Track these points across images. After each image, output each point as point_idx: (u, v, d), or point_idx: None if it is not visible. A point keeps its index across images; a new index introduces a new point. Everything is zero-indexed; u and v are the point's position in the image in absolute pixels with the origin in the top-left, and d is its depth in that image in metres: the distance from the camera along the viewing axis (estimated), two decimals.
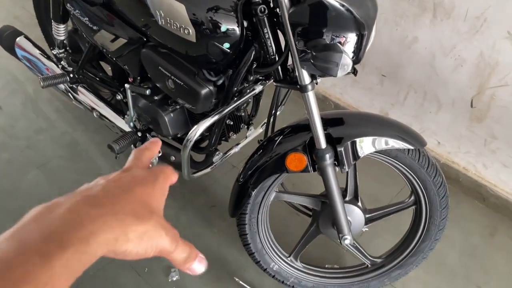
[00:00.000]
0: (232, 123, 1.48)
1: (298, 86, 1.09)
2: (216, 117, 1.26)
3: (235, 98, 1.29)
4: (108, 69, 1.89)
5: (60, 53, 1.81)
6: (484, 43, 1.54)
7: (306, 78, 1.07)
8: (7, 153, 1.98)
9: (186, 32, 1.13)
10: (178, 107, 1.45)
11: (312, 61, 0.94)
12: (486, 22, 1.50)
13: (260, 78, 1.33)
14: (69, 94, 1.78)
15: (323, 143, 1.15)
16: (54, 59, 1.83)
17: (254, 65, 1.17)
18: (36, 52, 1.84)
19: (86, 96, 1.75)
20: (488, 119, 1.68)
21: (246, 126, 1.55)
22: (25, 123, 2.13)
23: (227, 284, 1.55)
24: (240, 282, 1.54)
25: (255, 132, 1.60)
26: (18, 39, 1.86)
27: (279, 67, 1.13)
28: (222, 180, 1.91)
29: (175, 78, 1.28)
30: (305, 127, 1.24)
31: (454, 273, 1.64)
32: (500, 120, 1.65)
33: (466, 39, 1.59)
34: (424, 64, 1.76)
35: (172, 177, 0.43)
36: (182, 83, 1.27)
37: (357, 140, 1.18)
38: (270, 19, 1.08)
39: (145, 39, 1.34)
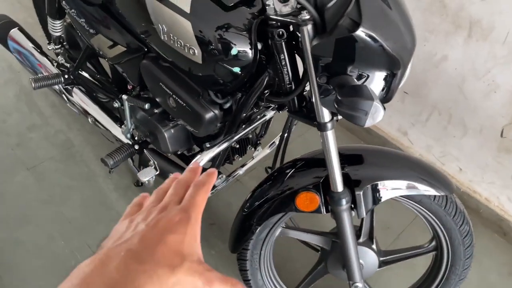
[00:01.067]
0: (238, 146, 1.34)
1: (316, 123, 0.95)
2: (222, 146, 1.12)
3: (243, 125, 1.15)
4: (108, 68, 1.74)
5: (57, 49, 1.67)
6: None
7: (326, 115, 0.92)
8: None
9: (191, 52, 0.98)
10: (179, 123, 1.31)
11: (336, 106, 0.80)
12: None
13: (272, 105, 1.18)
14: (63, 95, 1.64)
15: (340, 187, 1.01)
16: (49, 56, 1.69)
17: (267, 93, 1.02)
18: (30, 46, 1.70)
19: (81, 100, 1.61)
20: None
21: (252, 148, 1.41)
22: (18, 118, 2.00)
23: None
24: None
25: (262, 153, 1.46)
26: (12, 30, 1.72)
27: (295, 98, 0.99)
28: (224, 194, 1.78)
29: (176, 97, 1.14)
30: (320, 162, 1.10)
31: None
32: None
33: (502, 64, 1.42)
34: (452, 85, 1.60)
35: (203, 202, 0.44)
36: (184, 104, 1.12)
37: (379, 183, 1.04)
38: (288, 43, 0.92)
39: (146, 49, 1.20)
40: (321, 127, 0.94)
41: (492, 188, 1.70)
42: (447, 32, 1.51)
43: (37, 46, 1.72)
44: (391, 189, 1.05)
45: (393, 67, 0.84)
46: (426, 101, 1.72)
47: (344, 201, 1.02)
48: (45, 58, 1.67)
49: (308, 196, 1.08)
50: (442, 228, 1.15)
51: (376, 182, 1.04)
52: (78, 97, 1.61)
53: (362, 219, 1.20)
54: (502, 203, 1.70)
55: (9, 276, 1.48)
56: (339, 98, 0.79)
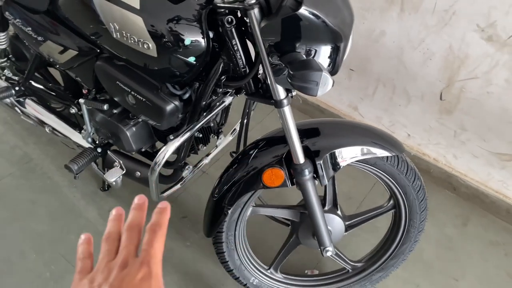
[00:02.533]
0: (201, 135, 1.38)
1: (273, 101, 1.01)
2: (186, 136, 1.17)
3: (204, 113, 1.19)
4: (58, 76, 1.73)
5: (2, 62, 1.64)
6: (453, 36, 1.52)
7: (281, 93, 0.99)
8: None
9: (145, 46, 1.02)
10: (140, 120, 1.34)
11: (289, 80, 0.86)
12: (455, 15, 1.47)
13: (230, 90, 1.24)
14: (16, 108, 1.61)
15: (301, 158, 1.09)
16: None
17: (223, 79, 1.07)
18: None
19: (35, 110, 1.59)
20: (458, 111, 1.67)
21: (215, 136, 1.46)
22: None
23: None
24: None
25: (225, 140, 1.51)
26: None
27: (251, 80, 1.05)
28: (192, 188, 1.82)
29: (135, 94, 1.17)
30: (281, 139, 1.17)
31: (431, 267, 1.65)
32: (470, 112, 1.64)
33: (434, 32, 1.55)
34: (392, 58, 1.72)
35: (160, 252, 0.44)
36: (143, 99, 1.16)
37: (336, 151, 1.12)
38: (238, 29, 0.98)
39: (98, 50, 1.21)
40: (278, 104, 1.00)
41: (439, 148, 1.84)
42: (382, 9, 1.63)
43: None
44: (347, 155, 1.14)
45: (336, 40, 0.91)
46: (371, 76, 1.84)
47: (306, 172, 1.10)
48: None
49: (273, 172, 1.14)
50: (397, 186, 1.25)
51: (334, 151, 1.13)
52: (32, 108, 1.59)
53: (326, 189, 1.28)
54: (449, 161, 1.85)
55: None
56: (291, 73, 0.86)
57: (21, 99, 1.59)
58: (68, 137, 1.56)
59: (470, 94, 1.60)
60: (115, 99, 1.26)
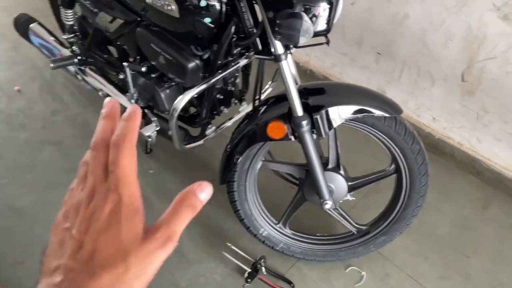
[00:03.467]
0: (222, 97, 1.56)
1: (273, 57, 1.16)
2: (202, 87, 1.35)
3: (220, 71, 1.37)
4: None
5: (70, 37, 1.94)
6: (471, 17, 1.57)
7: (279, 48, 1.14)
8: (25, 133, 2.14)
9: (169, 8, 1.22)
10: (173, 83, 1.55)
11: (277, 29, 1.02)
12: None
13: (243, 51, 1.40)
14: (78, 75, 1.91)
15: (299, 111, 1.22)
16: (65, 44, 1.96)
17: (235, 38, 1.25)
18: (49, 37, 1.98)
19: (93, 77, 1.87)
20: (479, 92, 1.70)
21: (238, 102, 1.63)
22: (42, 105, 2.29)
23: (221, 249, 1.65)
24: (232, 247, 1.63)
25: (247, 108, 1.68)
26: (31, 25, 2.00)
27: (258, 39, 1.21)
28: (219, 154, 2.01)
29: (165, 54, 1.37)
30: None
31: (443, 243, 1.68)
32: (491, 93, 1.66)
33: (454, 13, 1.61)
34: (416, 41, 1.79)
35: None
36: (171, 58, 1.36)
37: (334, 108, 1.24)
38: None
39: (139, 19, 1.44)
40: (277, 58, 1.16)
41: (463, 132, 1.86)
42: None
43: (55, 37, 2.00)
44: (344, 112, 1.25)
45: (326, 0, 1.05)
46: (397, 59, 1.91)
47: (304, 123, 1.23)
48: (62, 47, 1.95)
49: (276, 125, 1.29)
50: (396, 149, 1.33)
51: (331, 107, 1.25)
52: (90, 75, 1.87)
53: (329, 149, 1.40)
54: (473, 145, 1.86)
55: (42, 228, 1.74)
56: (278, 21, 1.01)
57: (82, 68, 1.88)
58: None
59: (490, 75, 1.62)
60: (151, 61, 1.48)
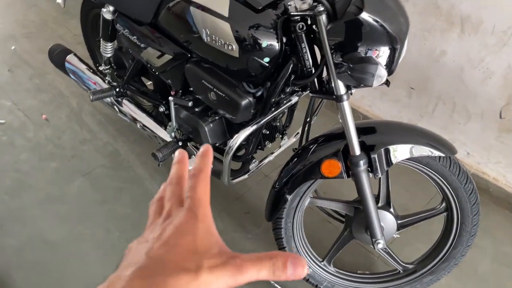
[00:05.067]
0: (268, 132, 1.57)
1: (334, 96, 1.17)
2: (255, 126, 1.35)
3: (273, 109, 1.38)
4: (148, 83, 2.02)
5: (107, 69, 1.95)
6: None
7: (341, 88, 1.15)
8: (55, 162, 2.12)
9: (230, 48, 1.23)
10: (217, 118, 1.55)
11: (349, 73, 1.03)
12: None
13: (297, 89, 1.41)
14: (115, 106, 1.91)
15: (357, 150, 1.22)
16: (100, 75, 1.97)
17: (292, 77, 1.26)
18: (84, 68, 1.99)
19: (130, 109, 1.87)
20: None
21: (280, 136, 1.64)
22: (71, 134, 2.28)
23: (261, 285, 1.62)
24: (275, 284, 1.60)
25: (288, 142, 1.68)
26: (68, 56, 2.02)
27: (315, 79, 1.22)
28: (255, 188, 2.00)
29: (217, 90, 1.38)
30: (339, 135, 1.32)
31: (486, 280, 1.66)
32: None
33: (494, 52, 1.64)
34: (453, 77, 1.81)
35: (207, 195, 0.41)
36: (223, 95, 1.37)
37: (390, 147, 1.25)
38: (307, 35, 1.17)
39: (189, 55, 1.46)
40: (339, 99, 1.16)
41: (499, 167, 1.87)
42: (442, 30, 1.74)
43: (90, 68, 2.01)
44: (401, 152, 1.25)
45: (393, 43, 1.07)
46: (431, 94, 1.93)
47: (361, 163, 1.23)
48: (97, 77, 1.96)
49: (331, 163, 1.28)
50: (449, 188, 1.33)
51: (388, 147, 1.25)
52: (128, 107, 1.87)
53: (380, 187, 1.39)
54: (509, 181, 1.86)
55: (75, 263, 1.70)
56: (351, 66, 1.02)
57: (119, 99, 1.89)
58: (155, 133, 1.81)
59: None
60: (199, 96, 1.48)
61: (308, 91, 1.28)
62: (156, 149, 1.69)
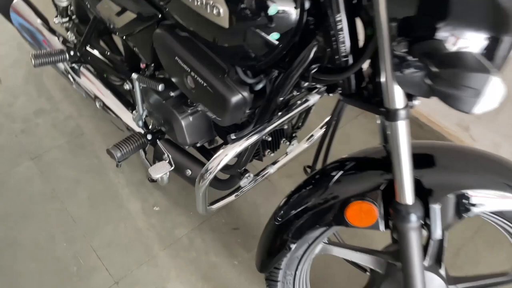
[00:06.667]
0: (270, 139, 1.09)
1: (383, 110, 0.69)
2: (251, 140, 0.88)
3: (279, 113, 0.89)
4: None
5: (64, 22, 1.46)
6: None
7: (399, 99, 0.66)
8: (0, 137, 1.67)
9: (215, 12, 0.74)
10: (199, 109, 1.08)
11: (429, 82, 0.53)
12: None
13: (318, 86, 0.92)
14: (69, 75, 1.43)
15: (410, 198, 0.75)
16: (57, 32, 1.48)
17: (314, 69, 0.76)
18: (35, 19, 1.49)
19: (89, 80, 1.39)
20: None
21: (287, 141, 1.16)
22: (25, 101, 1.81)
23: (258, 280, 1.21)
24: None
25: (298, 148, 1.21)
26: (15, 1, 1.51)
27: (353, 76, 0.73)
28: (249, 194, 1.54)
29: (195, 75, 0.89)
30: (378, 163, 0.85)
31: None
32: None
33: None
34: None
35: None
36: (205, 84, 0.88)
37: (465, 192, 0.77)
38: (346, 1, 0.67)
39: (159, 15, 0.96)
40: (391, 116, 0.68)
41: None
42: None
43: (43, 20, 1.51)
44: (478, 201, 0.78)
45: (502, 28, 0.57)
46: None
47: (414, 217, 0.76)
48: (52, 35, 1.47)
49: (364, 208, 0.82)
50: None
51: (458, 192, 0.78)
52: (86, 77, 1.39)
53: (429, 240, 0.93)
54: None
55: (2, 279, 1.29)
56: (434, 70, 0.52)
57: (75, 66, 1.40)
58: (118, 117, 1.34)
59: None
60: (172, 79, 1.00)
61: (338, 93, 0.78)
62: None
